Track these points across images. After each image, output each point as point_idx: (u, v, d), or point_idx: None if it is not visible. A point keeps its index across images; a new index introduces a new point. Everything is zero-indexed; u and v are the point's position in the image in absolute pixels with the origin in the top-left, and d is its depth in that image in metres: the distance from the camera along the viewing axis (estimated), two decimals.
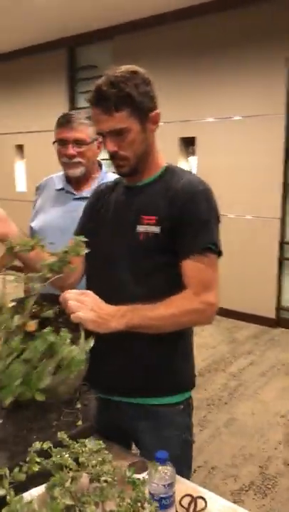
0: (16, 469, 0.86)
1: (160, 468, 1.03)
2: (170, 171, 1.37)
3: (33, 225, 2.01)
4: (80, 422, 1.00)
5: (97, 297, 1.18)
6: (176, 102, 4.88)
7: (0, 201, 2.64)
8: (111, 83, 1.22)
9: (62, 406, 1.06)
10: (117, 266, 1.32)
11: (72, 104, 6.12)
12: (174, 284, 1.26)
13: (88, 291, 1.19)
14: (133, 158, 1.30)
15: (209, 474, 2.50)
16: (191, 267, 1.25)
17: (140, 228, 1.30)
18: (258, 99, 4.53)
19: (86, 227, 1.48)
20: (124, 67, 1.27)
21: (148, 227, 1.29)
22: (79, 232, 1.49)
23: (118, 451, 1.36)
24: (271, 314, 4.54)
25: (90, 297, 1.16)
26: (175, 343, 1.35)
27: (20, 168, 7.00)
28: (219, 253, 1.28)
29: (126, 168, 1.32)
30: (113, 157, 1.30)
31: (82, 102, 6.09)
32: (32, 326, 1.07)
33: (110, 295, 1.27)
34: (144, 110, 1.27)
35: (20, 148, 6.85)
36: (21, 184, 6.96)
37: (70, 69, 6.05)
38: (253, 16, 4.43)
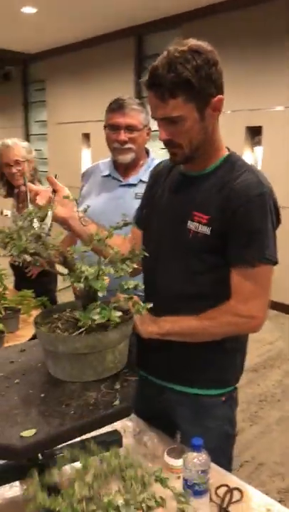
0: None
1: (195, 454, 1.02)
2: (230, 163, 1.24)
3: (80, 209, 2.05)
4: (117, 402, 1.01)
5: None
6: (244, 89, 4.75)
7: (68, 188, 2.71)
8: (168, 65, 1.11)
9: (102, 386, 1.08)
10: (166, 260, 1.30)
11: (139, 93, 6.14)
12: (224, 285, 1.22)
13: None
14: (188, 148, 1.20)
15: (256, 470, 2.45)
16: (236, 278, 1.19)
17: (190, 225, 1.23)
18: None
19: (143, 212, 1.45)
20: (188, 44, 1.13)
21: (198, 226, 1.22)
22: (136, 216, 1.49)
23: (159, 436, 1.37)
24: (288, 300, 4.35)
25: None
26: (223, 339, 1.30)
27: (86, 156, 7.16)
28: (273, 262, 1.20)
29: (179, 157, 1.23)
30: (166, 144, 1.23)
31: None
32: (106, 279, 1.12)
33: (160, 290, 1.28)
34: (204, 96, 1.14)
35: (86, 136, 6.99)
36: None
37: (138, 57, 6.06)
38: None
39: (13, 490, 1.17)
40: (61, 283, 3.02)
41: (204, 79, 1.12)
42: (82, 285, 1.10)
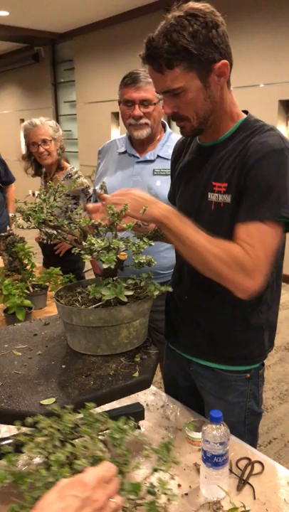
0: None
1: (214, 426, 1.02)
2: (247, 125, 1.16)
3: (97, 188, 2.03)
4: (136, 374, 1.02)
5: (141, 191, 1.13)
6: (276, 62, 4.58)
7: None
8: (164, 34, 1.04)
9: (122, 358, 1.09)
10: None
11: None
12: None
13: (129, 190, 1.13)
14: (195, 120, 1.14)
15: (285, 447, 2.44)
16: (242, 232, 1.07)
17: (211, 197, 1.18)
18: None
19: (174, 188, 1.41)
20: (187, 7, 1.05)
21: (219, 196, 1.15)
22: (169, 193, 1.48)
23: (181, 410, 1.38)
24: None
25: (133, 190, 1.12)
26: (247, 316, 1.26)
27: (115, 135, 7.13)
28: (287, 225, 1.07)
29: (188, 129, 1.18)
30: (173, 118, 1.17)
31: None
32: (124, 255, 1.12)
33: (188, 269, 1.26)
34: (205, 63, 1.06)
35: (116, 115, 6.95)
36: None
37: None
38: None
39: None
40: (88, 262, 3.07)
41: (203, 44, 1.04)
42: (89, 257, 1.10)
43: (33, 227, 1.17)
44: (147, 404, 1.37)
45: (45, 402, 0.92)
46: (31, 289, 2.11)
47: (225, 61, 1.09)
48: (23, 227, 1.16)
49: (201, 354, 1.35)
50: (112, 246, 1.06)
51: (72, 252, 1.12)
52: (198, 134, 1.23)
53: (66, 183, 2.67)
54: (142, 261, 1.09)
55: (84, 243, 1.09)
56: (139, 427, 1.29)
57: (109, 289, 1.05)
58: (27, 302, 1.91)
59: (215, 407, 1.24)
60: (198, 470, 1.13)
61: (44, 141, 2.60)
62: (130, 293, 1.07)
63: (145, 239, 1.11)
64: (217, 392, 1.34)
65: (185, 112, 1.13)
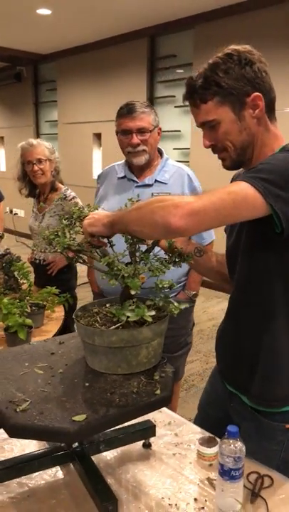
0: None
1: (231, 441, 1.08)
2: (284, 152, 1.16)
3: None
4: (158, 391, 1.07)
5: (104, 211, 1.23)
6: None
7: (78, 188, 2.82)
8: (200, 73, 1.16)
9: (142, 376, 1.14)
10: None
11: (151, 93, 6.20)
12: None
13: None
14: (233, 151, 1.19)
15: None
16: None
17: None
18: None
19: None
20: (226, 49, 1.15)
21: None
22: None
23: (187, 425, 1.44)
24: None
25: (97, 211, 1.22)
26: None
27: (97, 156, 7.22)
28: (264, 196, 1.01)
29: (228, 161, 1.22)
30: (213, 151, 1.23)
31: (161, 91, 6.15)
32: (144, 278, 1.17)
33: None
34: (237, 96, 1.14)
35: (98, 136, 7.06)
36: (98, 172, 7.18)
37: (151, 59, 6.12)
38: None
39: (51, 474, 1.24)
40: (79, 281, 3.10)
41: (235, 79, 1.12)
42: (117, 282, 1.16)
43: (54, 251, 1.22)
44: (155, 421, 1.42)
45: (76, 418, 0.96)
46: (28, 308, 2.14)
47: (258, 94, 1.14)
48: (40, 256, 1.20)
49: (237, 387, 1.32)
50: (137, 272, 1.12)
51: (101, 277, 1.17)
52: (239, 167, 1.26)
53: (60, 204, 2.72)
54: (165, 285, 1.15)
55: (107, 268, 1.14)
56: (150, 444, 1.34)
57: (134, 311, 1.11)
58: (28, 321, 1.94)
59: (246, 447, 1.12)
60: (211, 484, 1.18)
61: (39, 161, 2.66)
62: (152, 313, 1.13)
63: (165, 262, 1.17)
64: (250, 432, 1.26)
65: (222, 143, 1.19)
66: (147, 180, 2.04)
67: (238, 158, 1.21)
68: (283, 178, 1.03)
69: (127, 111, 1.96)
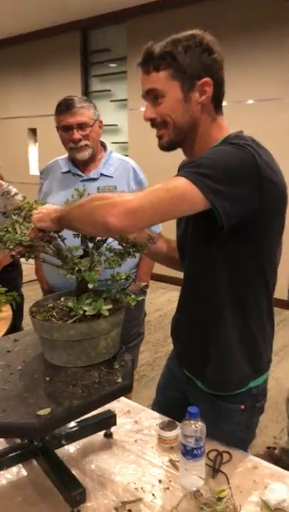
0: None
1: (192, 422, 1.13)
2: (225, 141, 1.15)
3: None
4: (119, 379, 1.09)
5: (52, 205, 1.22)
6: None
7: (14, 184, 2.75)
8: (162, 44, 1.14)
9: (102, 366, 1.16)
10: None
11: (86, 88, 6.15)
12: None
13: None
14: (172, 128, 1.17)
15: None
16: None
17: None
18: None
19: None
20: (192, 30, 1.15)
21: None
22: None
23: (145, 411, 1.47)
24: (283, 296, 4.62)
25: (45, 206, 1.21)
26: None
27: (33, 151, 7.07)
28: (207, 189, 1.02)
29: (165, 139, 1.19)
30: (152, 126, 1.21)
31: (95, 85, 6.12)
32: (99, 270, 1.18)
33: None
34: (189, 76, 1.12)
35: (33, 131, 6.91)
36: (34, 167, 7.03)
37: (84, 52, 6.06)
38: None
39: (14, 472, 1.22)
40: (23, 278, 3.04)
41: (192, 58, 1.12)
42: (74, 276, 1.17)
43: (6, 248, 1.20)
44: (114, 410, 1.43)
45: (41, 412, 0.96)
46: None
47: (208, 79, 1.13)
48: None
49: (192, 371, 1.36)
50: (93, 265, 1.13)
51: (58, 272, 1.17)
52: (174, 148, 1.24)
53: (2, 200, 2.65)
54: (122, 277, 1.17)
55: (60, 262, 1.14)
56: (111, 434, 1.36)
57: (91, 305, 1.12)
58: None
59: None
60: (174, 465, 1.22)
61: None
62: (109, 306, 1.14)
63: (120, 254, 1.19)
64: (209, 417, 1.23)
65: (163, 118, 1.17)
66: (92, 174, 2.04)
67: (176, 139, 1.19)
68: (223, 173, 1.03)
69: (66, 107, 1.95)
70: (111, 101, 5.88)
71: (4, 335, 2.09)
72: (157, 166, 4.44)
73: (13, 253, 1.21)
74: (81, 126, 1.95)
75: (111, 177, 2.04)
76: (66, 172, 2.08)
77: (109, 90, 5.88)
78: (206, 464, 1.20)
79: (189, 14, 4.89)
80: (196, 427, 1.13)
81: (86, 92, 6.10)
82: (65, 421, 1.02)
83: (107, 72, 5.91)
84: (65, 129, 1.97)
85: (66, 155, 2.13)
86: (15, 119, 7.08)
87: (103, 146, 2.14)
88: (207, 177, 1.02)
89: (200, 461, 1.14)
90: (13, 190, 2.71)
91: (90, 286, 1.16)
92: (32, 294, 3.92)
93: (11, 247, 1.18)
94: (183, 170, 1.09)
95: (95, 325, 1.13)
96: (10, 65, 6.97)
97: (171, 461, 1.24)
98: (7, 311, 2.34)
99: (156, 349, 3.68)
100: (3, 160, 7.01)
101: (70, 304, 1.20)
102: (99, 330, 1.14)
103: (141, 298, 1.21)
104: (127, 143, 5.71)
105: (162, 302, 4.85)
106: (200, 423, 1.13)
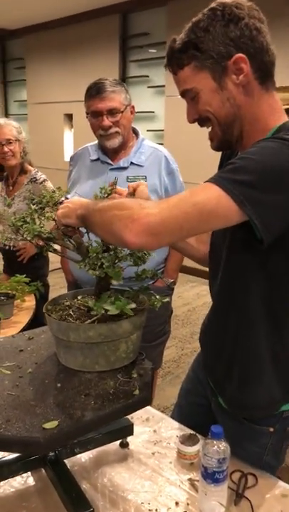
0: None
1: (215, 442, 1.01)
2: (282, 131, 0.96)
3: (69, 196, 1.99)
4: (137, 391, 0.99)
5: (80, 198, 1.10)
6: None
7: (49, 170, 2.68)
8: (182, 35, 0.98)
9: (118, 374, 1.06)
10: None
11: (123, 73, 6.02)
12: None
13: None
14: (217, 125, 1.01)
15: None
16: None
17: None
18: None
19: None
20: (212, 3, 0.97)
21: None
22: None
23: (166, 420, 1.37)
24: None
25: (70, 199, 1.09)
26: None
27: (68, 137, 7.02)
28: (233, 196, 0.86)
29: (215, 141, 1.05)
30: (201, 126, 1.06)
31: (133, 70, 5.98)
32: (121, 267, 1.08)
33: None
34: (218, 59, 0.95)
35: (69, 117, 6.84)
36: (69, 154, 6.98)
37: (123, 36, 5.92)
38: None
39: (21, 481, 1.15)
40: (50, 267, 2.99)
41: (215, 38, 0.94)
42: (97, 272, 1.07)
43: (23, 240, 1.11)
44: (132, 417, 1.34)
45: (47, 425, 0.87)
46: None
47: (240, 55, 0.94)
48: (10, 241, 1.10)
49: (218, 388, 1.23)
50: (118, 260, 1.03)
51: (79, 267, 1.07)
52: (228, 148, 1.09)
53: (31, 187, 2.59)
54: (148, 275, 1.07)
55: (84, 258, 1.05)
56: (127, 444, 1.27)
57: (113, 304, 1.02)
58: None
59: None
60: (193, 486, 1.12)
61: (8, 141, 2.50)
62: (133, 306, 1.04)
63: (146, 251, 1.08)
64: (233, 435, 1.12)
65: (203, 114, 1.02)
66: (122, 163, 1.93)
67: (225, 137, 1.03)
68: (266, 179, 0.86)
69: (96, 91, 1.83)
70: (148, 87, 5.72)
71: (26, 327, 2.03)
72: (193, 154, 4.29)
73: (40, 243, 1.13)
74: (111, 112, 1.84)
75: (141, 166, 1.93)
76: (95, 160, 1.99)
77: (147, 76, 5.72)
78: (229, 487, 1.08)
79: None
80: (219, 448, 1.01)
81: (123, 77, 5.97)
82: (73, 436, 0.92)
83: (145, 58, 5.75)
84: (94, 115, 1.87)
85: (96, 141, 2.02)
86: (51, 103, 7.03)
87: (135, 133, 2.02)
88: (246, 185, 0.85)
89: (222, 486, 1.03)
90: (42, 176, 2.64)
91: (115, 282, 1.06)
92: (58, 281, 3.87)
93: (28, 238, 1.09)
94: (217, 174, 0.92)
95: (116, 327, 1.03)
96: (48, 50, 6.90)
97: (190, 480, 1.14)
98: (30, 302, 2.29)
99: (182, 345, 3.57)
100: (38, 145, 7.00)
101: (89, 303, 1.11)
102: (120, 332, 1.04)
103: (166, 299, 1.10)
104: (162, 130, 5.56)
105: (191, 296, 4.72)
106: (224, 444, 1.02)
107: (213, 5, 0.97)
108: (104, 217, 0.94)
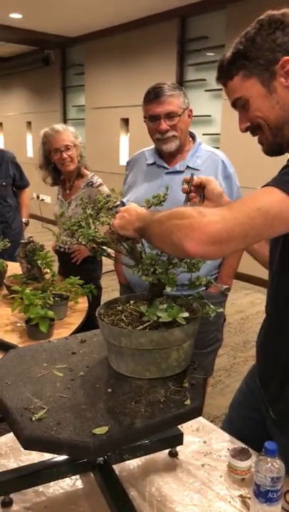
0: None
1: (269, 459, 0.97)
2: None
3: (124, 200, 1.99)
4: (188, 401, 0.97)
5: (133, 205, 1.07)
6: None
7: (104, 174, 2.71)
8: (232, 49, 1.03)
9: (169, 383, 1.04)
10: None
11: (181, 77, 6.01)
12: None
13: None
14: (268, 130, 1.02)
15: None
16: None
17: None
18: None
19: None
20: (262, 16, 1.01)
21: None
22: None
23: (216, 431, 1.33)
24: None
25: (126, 208, 1.07)
26: None
27: (124, 142, 7.09)
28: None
29: (266, 145, 1.06)
30: (252, 134, 1.08)
31: (191, 74, 5.95)
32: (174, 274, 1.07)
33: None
34: (265, 65, 0.98)
35: (125, 121, 6.92)
36: (125, 158, 7.06)
37: (181, 41, 5.91)
38: None
39: (70, 483, 1.15)
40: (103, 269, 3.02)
41: (262, 45, 0.97)
42: (150, 279, 1.06)
43: (78, 243, 1.12)
44: (182, 426, 1.31)
45: (97, 431, 0.86)
46: (51, 300, 2.05)
47: (287, 57, 0.96)
48: (65, 244, 1.11)
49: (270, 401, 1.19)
50: (172, 267, 1.01)
51: (132, 272, 1.06)
52: (279, 152, 1.07)
53: (87, 191, 2.62)
54: (202, 283, 1.04)
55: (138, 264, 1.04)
56: (176, 453, 1.24)
57: (166, 311, 1.00)
58: (50, 313, 1.86)
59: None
60: (244, 503, 1.08)
61: (67, 147, 2.55)
62: (186, 314, 1.02)
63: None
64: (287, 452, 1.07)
65: (255, 122, 1.03)
66: (178, 167, 1.92)
67: (275, 140, 1.03)
68: None
69: (154, 95, 1.84)
70: (205, 90, 5.68)
71: (78, 328, 2.06)
72: (250, 159, 4.19)
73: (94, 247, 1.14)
74: (169, 115, 1.83)
75: (198, 170, 1.90)
76: (151, 164, 1.99)
77: (205, 79, 5.67)
78: (283, 508, 1.03)
79: None
80: (274, 466, 0.97)
81: (180, 81, 5.96)
82: (122, 443, 0.91)
83: (203, 61, 5.71)
84: (152, 119, 1.87)
85: (153, 146, 2.02)
86: (108, 108, 7.13)
87: (192, 136, 2.00)
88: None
89: (276, 506, 0.98)
90: (98, 180, 2.67)
91: (169, 289, 1.05)
92: (110, 284, 3.91)
93: (83, 242, 1.10)
94: (276, 177, 0.90)
95: (168, 334, 1.01)
96: (106, 56, 7.01)
97: (241, 496, 1.10)
98: (83, 303, 2.31)
99: (234, 354, 3.49)
100: (95, 149, 7.13)
101: (142, 309, 1.09)
102: (172, 340, 1.02)
103: (220, 310, 1.07)
104: (219, 134, 5.50)
105: (245, 304, 4.62)
106: (278, 461, 0.97)
107: (261, 17, 1.00)
108: (163, 227, 0.92)
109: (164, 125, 1.84)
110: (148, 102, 1.87)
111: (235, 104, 1.07)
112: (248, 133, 1.08)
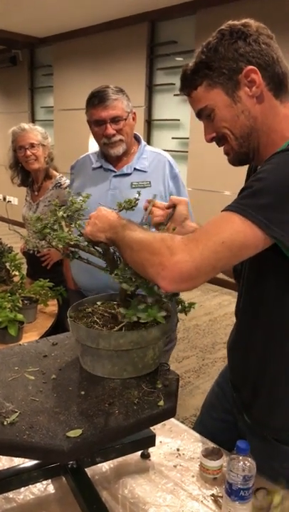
0: None
1: (241, 458, 0.99)
2: None
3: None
4: (161, 403, 0.97)
5: (104, 211, 1.06)
6: None
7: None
8: (194, 59, 1.03)
9: (143, 384, 1.04)
10: None
11: (151, 81, 6.04)
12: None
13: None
14: (233, 140, 1.01)
15: None
16: None
17: None
18: None
19: None
20: (223, 25, 1.00)
21: None
22: None
23: (188, 432, 1.34)
24: None
25: (97, 213, 1.07)
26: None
27: (93, 143, 7.05)
28: (264, 225, 0.85)
29: (231, 155, 1.05)
30: (217, 144, 1.07)
31: (161, 78, 6.00)
32: None
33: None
34: (228, 75, 0.97)
35: None
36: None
37: (150, 44, 5.95)
38: None
39: (41, 488, 1.14)
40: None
41: (224, 55, 0.97)
42: (132, 288, 1.05)
43: (49, 247, 1.11)
44: (154, 428, 1.31)
45: (71, 434, 0.86)
46: (20, 302, 2.02)
47: (251, 67, 0.96)
48: (37, 247, 1.09)
49: (245, 406, 1.20)
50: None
51: (113, 279, 1.05)
52: (245, 162, 1.07)
53: (55, 192, 2.60)
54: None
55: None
56: (149, 455, 1.24)
57: (146, 311, 1.01)
58: (19, 316, 1.83)
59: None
60: (216, 502, 1.09)
61: (32, 145, 2.52)
62: (164, 314, 1.02)
63: None
64: (260, 448, 1.11)
65: (220, 132, 1.03)
66: (125, 169, 1.92)
67: (241, 150, 1.03)
68: (286, 196, 0.85)
69: (98, 100, 1.83)
70: (174, 95, 5.73)
71: (48, 331, 2.03)
72: (218, 164, 4.26)
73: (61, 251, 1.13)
74: (114, 119, 1.83)
75: (145, 171, 1.92)
76: (98, 168, 1.98)
77: (174, 84, 5.73)
78: (253, 506, 1.05)
79: (263, 4, 4.65)
80: (245, 464, 0.98)
81: (150, 85, 5.99)
82: (97, 446, 0.90)
83: (172, 66, 5.77)
84: (97, 124, 1.86)
85: (97, 149, 2.02)
86: (77, 110, 7.08)
87: (136, 139, 2.01)
88: (268, 209, 0.85)
89: (247, 504, 1.00)
90: (67, 181, 2.65)
91: (150, 300, 1.06)
92: None
93: (60, 245, 1.08)
94: (236, 201, 0.90)
95: (146, 333, 1.02)
96: (75, 57, 6.97)
97: (213, 496, 1.11)
98: (53, 306, 2.29)
99: (203, 355, 3.53)
100: (63, 151, 7.06)
101: (121, 310, 1.09)
102: (149, 339, 1.03)
103: (195, 305, 1.08)
104: (188, 138, 5.55)
105: (213, 306, 4.67)
106: (250, 460, 0.99)
107: (221, 27, 1.00)
108: (135, 257, 0.95)
109: (111, 130, 1.83)
110: (92, 106, 1.85)
111: (200, 115, 1.07)
112: None
